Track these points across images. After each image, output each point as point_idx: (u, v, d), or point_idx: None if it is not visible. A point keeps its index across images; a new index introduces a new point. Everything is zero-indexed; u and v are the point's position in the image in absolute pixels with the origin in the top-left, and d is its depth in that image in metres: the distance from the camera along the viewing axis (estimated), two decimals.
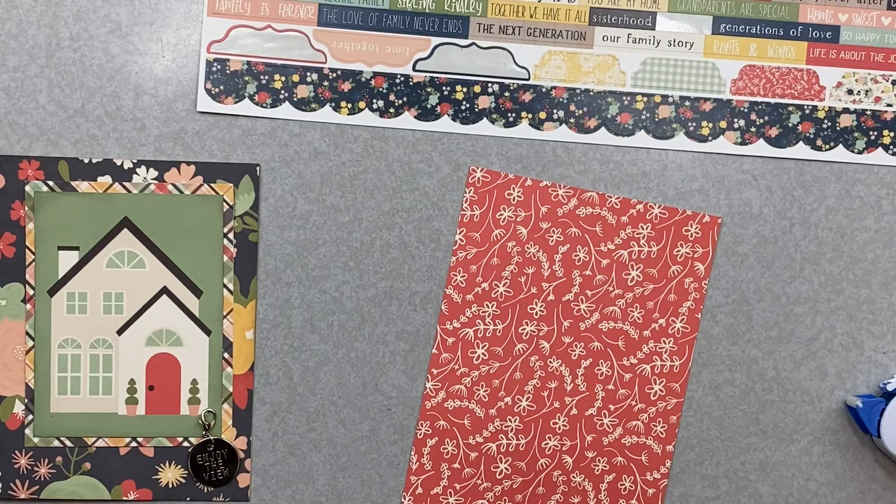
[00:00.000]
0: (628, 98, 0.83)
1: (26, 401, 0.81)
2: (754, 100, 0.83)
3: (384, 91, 0.82)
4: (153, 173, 0.81)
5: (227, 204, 0.81)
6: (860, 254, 0.84)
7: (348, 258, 0.83)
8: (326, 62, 0.82)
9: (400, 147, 0.83)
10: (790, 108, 0.83)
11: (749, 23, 0.83)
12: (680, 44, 0.83)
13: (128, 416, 0.82)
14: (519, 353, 0.83)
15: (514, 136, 0.83)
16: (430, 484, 0.84)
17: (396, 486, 0.84)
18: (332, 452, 0.84)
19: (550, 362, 0.83)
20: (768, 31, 0.83)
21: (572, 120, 0.83)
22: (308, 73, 0.81)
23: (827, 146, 0.84)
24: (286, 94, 0.81)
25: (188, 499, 0.83)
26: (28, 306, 0.80)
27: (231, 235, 0.81)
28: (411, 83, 0.82)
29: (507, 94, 0.82)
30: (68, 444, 0.81)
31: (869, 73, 0.83)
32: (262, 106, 0.81)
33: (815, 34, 0.83)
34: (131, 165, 0.81)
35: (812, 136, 0.83)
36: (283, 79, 0.81)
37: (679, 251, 0.83)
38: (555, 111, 0.83)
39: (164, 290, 0.81)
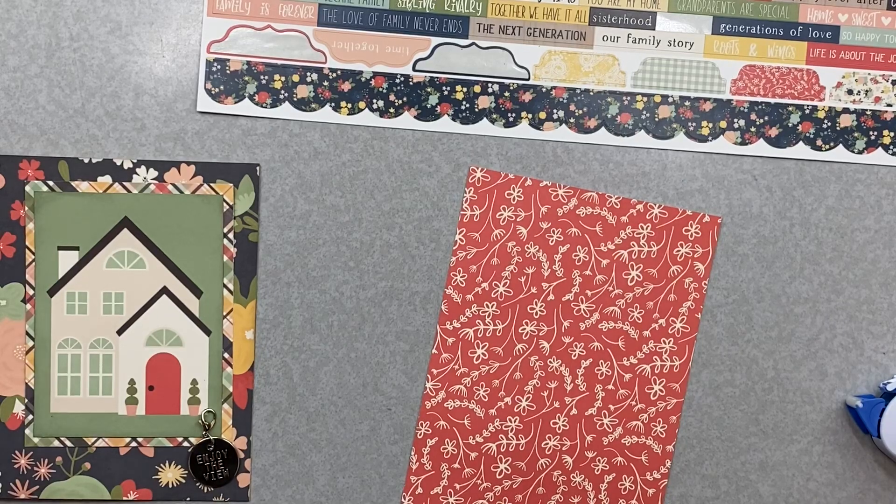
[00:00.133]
0: (628, 98, 0.83)
1: (26, 401, 0.81)
2: (754, 100, 0.83)
3: (384, 91, 0.82)
4: (153, 173, 0.81)
5: (227, 204, 0.81)
6: (860, 254, 0.84)
7: (348, 258, 0.83)
8: (326, 62, 0.82)
9: (400, 147, 0.83)
10: (790, 108, 0.83)
11: (749, 23, 0.83)
12: (680, 44, 0.83)
13: (128, 416, 0.82)
14: (519, 353, 0.83)
15: (514, 136, 0.83)
16: (430, 484, 0.84)
17: (396, 486, 0.84)
18: (332, 452, 0.84)
19: (550, 362, 0.83)
20: (768, 31, 0.83)
21: (572, 120, 0.83)
22: (308, 73, 0.81)
23: (827, 146, 0.84)
24: (286, 94, 0.81)
25: (188, 499, 0.83)
26: (28, 306, 0.80)
27: (231, 235, 0.81)
28: (411, 83, 0.82)
29: (507, 94, 0.82)
30: (68, 444, 0.81)
31: (869, 73, 0.83)
32: (262, 106, 0.81)
33: (815, 34, 0.83)
34: (131, 165, 0.81)
35: (812, 136, 0.83)
36: (283, 79, 0.81)
37: (679, 251, 0.83)
38: (555, 111, 0.83)
39: (164, 290, 0.81)
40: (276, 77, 0.81)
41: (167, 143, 0.81)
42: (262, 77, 0.81)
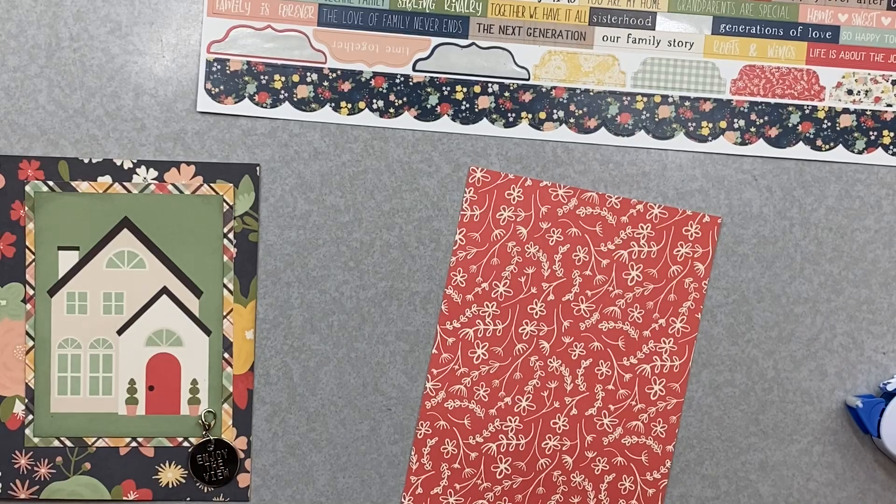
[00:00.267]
0: (628, 98, 0.83)
1: (26, 401, 0.81)
2: (754, 100, 0.83)
3: (384, 91, 0.82)
4: (153, 173, 0.81)
5: (227, 204, 0.81)
6: (860, 254, 0.84)
7: (348, 258, 0.83)
8: (326, 62, 0.82)
9: (400, 147, 0.83)
10: (790, 108, 0.83)
11: (749, 23, 0.83)
12: (680, 44, 0.83)
13: (128, 416, 0.82)
14: (519, 353, 0.83)
15: (514, 136, 0.83)
16: (430, 484, 0.84)
17: (396, 486, 0.84)
18: (332, 452, 0.84)
19: (550, 362, 0.83)
20: (768, 31, 0.83)
21: (572, 120, 0.83)
22: (308, 73, 0.81)
23: (827, 146, 0.84)
24: (286, 94, 0.81)
25: (188, 499, 0.83)
26: (28, 306, 0.80)
27: (231, 235, 0.81)
28: (411, 83, 0.82)
29: (507, 94, 0.82)
30: (68, 444, 0.81)
31: (869, 74, 0.83)
32: (262, 106, 0.81)
33: (815, 34, 0.83)
34: (131, 165, 0.81)
35: (812, 136, 0.84)
36: (283, 79, 0.81)
37: (679, 251, 0.83)
38: (555, 111, 0.83)
39: (164, 290, 0.81)
40: (276, 77, 0.81)
41: (167, 143, 0.81)
42: (262, 77, 0.81)
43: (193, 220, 0.81)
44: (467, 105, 0.82)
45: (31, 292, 0.80)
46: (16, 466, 0.81)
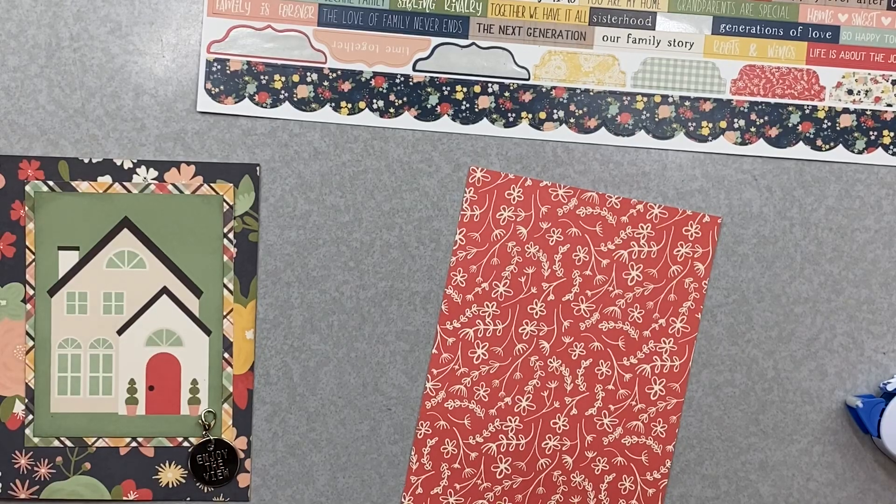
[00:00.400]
0: (628, 98, 0.83)
1: (26, 401, 0.81)
2: (754, 100, 0.83)
3: (384, 91, 0.82)
4: (153, 173, 0.81)
5: (227, 204, 0.81)
6: (860, 254, 0.84)
7: (348, 258, 0.83)
8: (326, 62, 0.82)
9: (400, 147, 0.83)
10: (790, 108, 0.83)
11: (749, 23, 0.83)
12: (680, 44, 0.83)
13: (128, 416, 0.82)
14: (519, 353, 0.83)
15: (514, 136, 0.83)
16: (430, 484, 0.84)
17: (396, 486, 0.84)
18: (332, 452, 0.84)
19: (550, 362, 0.83)
20: (768, 31, 0.83)
21: (572, 120, 0.83)
22: (308, 73, 0.81)
23: (827, 146, 0.84)
24: (286, 94, 0.81)
25: (188, 499, 0.83)
26: (28, 306, 0.80)
27: (231, 235, 0.81)
28: (411, 83, 0.82)
29: (507, 94, 0.82)
30: (68, 444, 0.81)
31: (869, 73, 0.83)
32: (262, 106, 0.81)
33: (815, 34, 0.83)
34: (131, 165, 0.81)
35: (812, 136, 0.83)
36: (283, 79, 0.81)
37: (679, 251, 0.83)
38: (555, 111, 0.83)
39: (164, 290, 0.81)
40: (276, 77, 0.81)
41: (167, 143, 0.81)
42: (262, 77, 0.81)
43: (193, 220, 0.81)
44: (467, 105, 0.82)
45: (31, 292, 0.80)
46: (16, 466, 0.81)
